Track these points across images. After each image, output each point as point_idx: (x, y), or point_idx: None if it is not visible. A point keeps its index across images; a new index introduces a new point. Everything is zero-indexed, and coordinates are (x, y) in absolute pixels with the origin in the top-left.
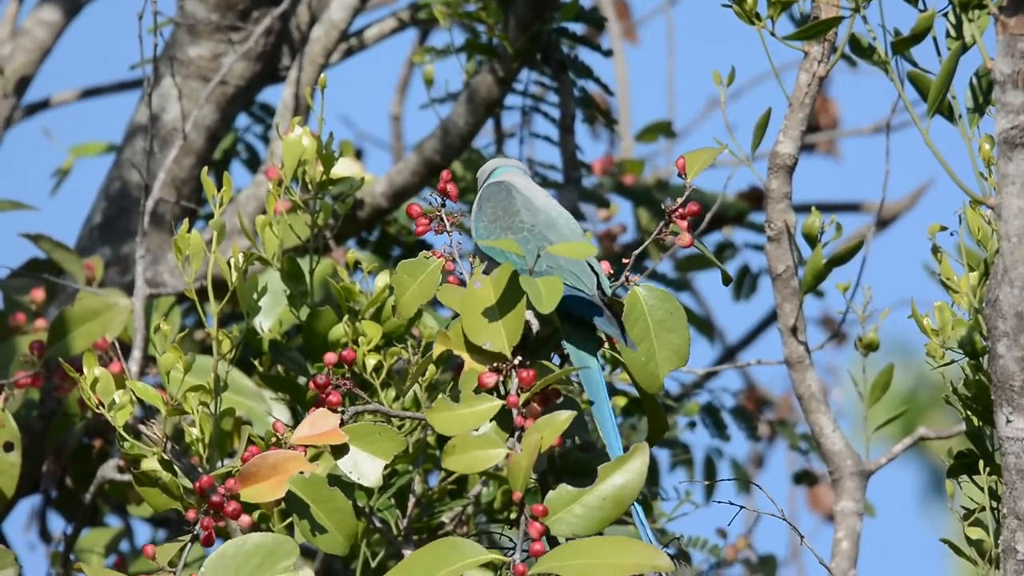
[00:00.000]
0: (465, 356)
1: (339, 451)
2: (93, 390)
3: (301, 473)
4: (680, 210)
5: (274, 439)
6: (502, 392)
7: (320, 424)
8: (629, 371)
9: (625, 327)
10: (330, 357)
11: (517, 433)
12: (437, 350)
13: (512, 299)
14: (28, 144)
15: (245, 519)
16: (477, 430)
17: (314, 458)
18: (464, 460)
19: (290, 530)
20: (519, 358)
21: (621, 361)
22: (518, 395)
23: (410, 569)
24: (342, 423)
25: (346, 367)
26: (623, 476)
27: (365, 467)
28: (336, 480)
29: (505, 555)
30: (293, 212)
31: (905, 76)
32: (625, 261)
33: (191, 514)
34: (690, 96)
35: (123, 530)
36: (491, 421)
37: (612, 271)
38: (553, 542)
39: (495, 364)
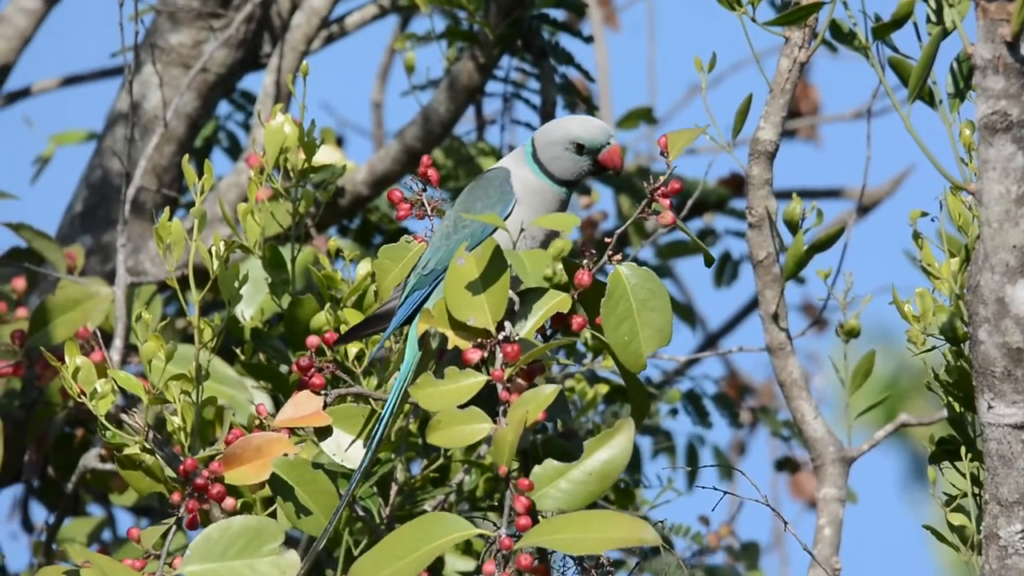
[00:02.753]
0: (449, 333)
1: (322, 433)
2: (75, 379)
3: (285, 455)
4: (662, 188)
5: (257, 422)
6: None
7: (304, 406)
8: (612, 351)
9: (604, 306)
10: (312, 340)
11: (502, 407)
12: (420, 328)
13: (495, 274)
14: (9, 132)
15: (229, 501)
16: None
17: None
18: (449, 435)
19: (272, 516)
20: (503, 333)
21: (604, 343)
22: (503, 370)
23: (395, 543)
24: (325, 405)
25: (328, 351)
26: (609, 451)
27: (349, 449)
28: (319, 466)
29: (491, 531)
30: (274, 200)
31: (886, 62)
32: (607, 241)
33: (176, 497)
34: (671, 82)
35: (105, 519)
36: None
37: (594, 256)
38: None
39: (479, 340)
